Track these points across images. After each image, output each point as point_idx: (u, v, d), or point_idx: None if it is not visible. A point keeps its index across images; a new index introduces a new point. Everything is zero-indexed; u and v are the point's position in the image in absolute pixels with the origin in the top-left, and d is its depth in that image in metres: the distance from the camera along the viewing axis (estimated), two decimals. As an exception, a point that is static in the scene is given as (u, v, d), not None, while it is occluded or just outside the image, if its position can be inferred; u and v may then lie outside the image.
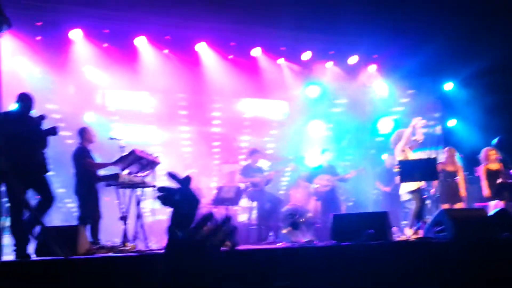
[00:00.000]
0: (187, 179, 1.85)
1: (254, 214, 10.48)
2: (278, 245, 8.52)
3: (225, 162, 12.40)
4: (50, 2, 10.59)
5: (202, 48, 12.35)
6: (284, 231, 9.01)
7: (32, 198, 7.29)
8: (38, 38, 10.84)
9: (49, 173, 7.47)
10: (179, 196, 1.81)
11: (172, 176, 1.84)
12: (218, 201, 9.63)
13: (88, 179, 8.31)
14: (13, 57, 10.43)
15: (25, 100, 7.38)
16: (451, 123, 14.23)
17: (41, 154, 7.32)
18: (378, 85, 14.01)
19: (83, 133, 8.66)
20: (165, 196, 1.83)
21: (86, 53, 11.37)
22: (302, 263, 7.04)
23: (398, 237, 8.89)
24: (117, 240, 8.20)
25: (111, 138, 8.87)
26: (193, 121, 12.69)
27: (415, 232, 8.62)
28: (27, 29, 10.35)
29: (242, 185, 10.51)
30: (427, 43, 12.41)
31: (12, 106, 7.75)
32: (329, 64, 13.55)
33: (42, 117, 7.47)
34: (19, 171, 6.77)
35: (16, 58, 10.59)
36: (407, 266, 7.43)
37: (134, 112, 12.32)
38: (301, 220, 8.87)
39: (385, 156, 12.07)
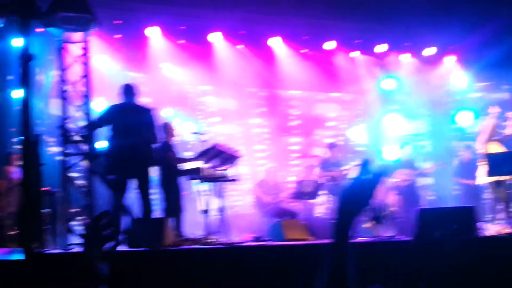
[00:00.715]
0: (379, 176, 1.77)
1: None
2: (359, 239, 8.41)
3: (304, 156, 12.35)
4: (129, 1, 10.81)
5: (276, 43, 12.33)
6: (366, 225, 8.90)
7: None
8: (118, 36, 11.07)
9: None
10: (361, 185, 1.74)
11: (364, 164, 1.77)
12: (298, 195, 9.63)
13: (171, 172, 8.43)
14: (95, 55, 10.68)
15: (130, 90, 7.56)
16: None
17: (147, 146, 7.37)
18: (457, 77, 13.61)
19: (166, 128, 8.77)
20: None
21: (163, 50, 11.53)
22: (385, 258, 6.97)
23: (484, 232, 8.60)
24: (199, 233, 8.31)
25: (194, 133, 9.01)
26: (269, 115, 12.71)
27: (503, 227, 8.32)
28: (107, 27, 10.56)
29: (320, 179, 10.46)
30: (509, 33, 11.98)
31: (100, 100, 7.92)
32: (406, 56, 13.28)
33: (150, 109, 7.47)
34: (125, 162, 6.96)
35: (98, 56, 10.84)
36: (496, 262, 7.22)
37: (209, 107, 12.44)
38: (383, 214, 8.76)
39: (462, 150, 11.74)
